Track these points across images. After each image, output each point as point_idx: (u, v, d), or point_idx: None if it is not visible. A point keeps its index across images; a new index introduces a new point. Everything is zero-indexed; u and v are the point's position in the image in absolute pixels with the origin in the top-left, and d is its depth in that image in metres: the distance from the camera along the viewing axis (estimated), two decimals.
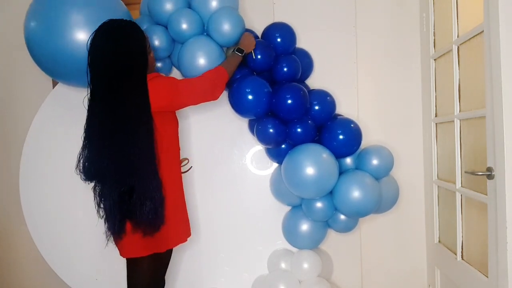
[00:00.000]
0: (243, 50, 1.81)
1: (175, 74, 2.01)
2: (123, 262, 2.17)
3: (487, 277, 1.52)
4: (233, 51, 1.82)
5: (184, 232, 1.76)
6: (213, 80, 1.71)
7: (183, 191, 1.76)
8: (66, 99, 2.02)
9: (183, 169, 1.87)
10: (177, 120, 1.74)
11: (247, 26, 1.97)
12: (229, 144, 2.14)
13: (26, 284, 2.29)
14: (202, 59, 1.79)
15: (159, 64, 1.97)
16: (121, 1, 1.84)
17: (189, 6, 1.86)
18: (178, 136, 1.74)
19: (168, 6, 1.81)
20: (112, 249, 2.15)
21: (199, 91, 1.69)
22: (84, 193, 2.15)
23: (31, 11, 1.69)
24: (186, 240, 1.77)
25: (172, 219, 1.63)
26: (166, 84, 1.59)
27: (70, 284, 2.14)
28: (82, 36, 1.62)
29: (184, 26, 1.79)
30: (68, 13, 1.63)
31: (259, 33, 1.99)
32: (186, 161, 1.97)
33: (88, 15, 1.63)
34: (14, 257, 2.29)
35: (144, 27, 1.88)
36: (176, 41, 1.88)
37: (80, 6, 1.63)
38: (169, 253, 1.77)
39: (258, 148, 2.12)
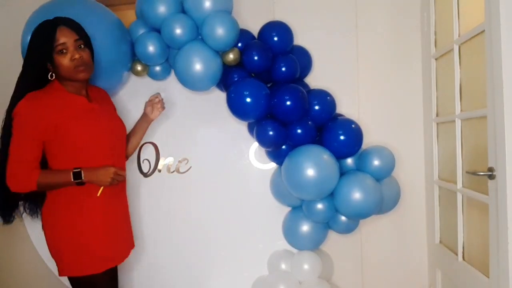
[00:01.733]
0: (81, 178, 1.51)
1: (173, 78, 2.00)
2: (122, 263, 2.17)
3: (488, 277, 1.51)
4: (73, 170, 1.51)
5: (90, 263, 1.57)
6: (16, 169, 1.47)
7: (108, 212, 1.62)
8: None
9: (182, 170, 1.87)
10: (92, 126, 1.58)
11: (246, 25, 1.96)
12: (229, 144, 2.13)
13: (26, 284, 2.29)
14: (197, 65, 1.77)
15: (157, 68, 1.96)
16: (111, 11, 1.84)
17: (182, 11, 1.83)
18: (94, 146, 1.58)
19: (161, 10, 1.78)
20: None
21: (10, 157, 1.48)
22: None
23: (28, 25, 1.71)
24: (102, 271, 1.58)
25: (69, 246, 1.55)
26: (21, 117, 1.47)
27: None
28: None
29: (178, 31, 1.77)
30: None
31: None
32: (186, 161, 1.97)
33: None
34: (13, 257, 2.29)
35: (140, 31, 1.88)
36: (170, 47, 1.86)
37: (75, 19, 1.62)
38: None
39: (257, 147, 2.11)
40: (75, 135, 1.52)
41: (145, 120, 1.94)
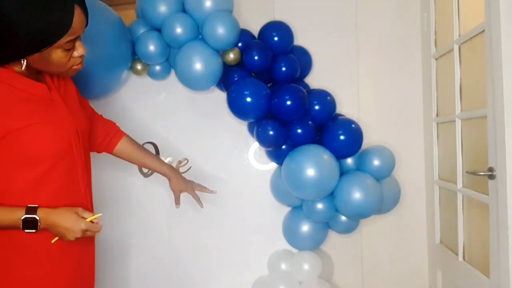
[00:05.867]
0: (36, 227, 1.04)
1: (173, 77, 1.99)
2: (122, 263, 2.18)
3: (489, 278, 1.51)
4: (25, 214, 1.04)
5: None
6: None
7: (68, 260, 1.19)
8: None
9: (182, 170, 1.86)
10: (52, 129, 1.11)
11: (247, 25, 1.96)
12: (229, 144, 2.13)
13: None
14: (198, 64, 1.77)
15: (157, 68, 1.95)
16: (112, 9, 1.83)
17: (183, 10, 1.83)
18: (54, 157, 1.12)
19: (162, 9, 1.78)
20: (111, 249, 2.16)
21: None
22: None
23: None
24: None
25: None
26: None
27: None
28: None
29: (179, 30, 1.77)
30: None
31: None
32: (186, 161, 1.96)
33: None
34: None
35: (140, 30, 1.88)
36: (171, 46, 1.86)
37: None
38: None
39: (257, 147, 2.11)
40: (32, 142, 1.07)
41: (163, 172, 1.69)
